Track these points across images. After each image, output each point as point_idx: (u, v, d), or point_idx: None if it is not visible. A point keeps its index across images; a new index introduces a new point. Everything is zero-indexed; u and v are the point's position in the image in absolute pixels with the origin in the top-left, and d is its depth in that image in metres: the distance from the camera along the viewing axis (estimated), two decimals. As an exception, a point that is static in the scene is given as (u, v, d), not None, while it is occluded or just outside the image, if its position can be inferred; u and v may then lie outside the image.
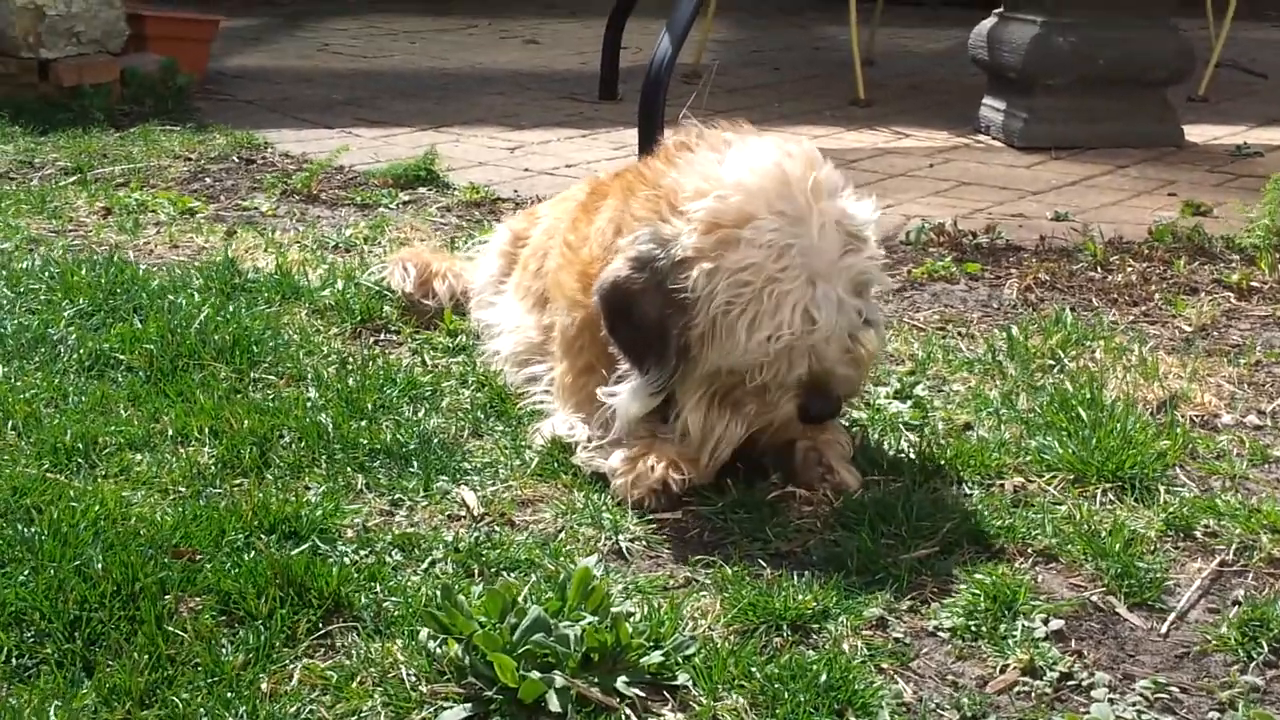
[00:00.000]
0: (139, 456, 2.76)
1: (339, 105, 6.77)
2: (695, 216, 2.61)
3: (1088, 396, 3.07)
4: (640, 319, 2.66)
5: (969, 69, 6.88)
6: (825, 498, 2.67)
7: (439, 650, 2.12)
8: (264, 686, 2.05)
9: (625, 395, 2.74)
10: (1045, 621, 2.27)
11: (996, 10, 6.23)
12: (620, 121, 6.29)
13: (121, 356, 3.22)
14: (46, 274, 3.74)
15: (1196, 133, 6.23)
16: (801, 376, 2.63)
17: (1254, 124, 6.57)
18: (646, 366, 2.69)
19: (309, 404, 3.00)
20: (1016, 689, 2.12)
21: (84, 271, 3.75)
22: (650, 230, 2.67)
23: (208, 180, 5.21)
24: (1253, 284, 4.02)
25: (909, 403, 3.12)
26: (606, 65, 6.98)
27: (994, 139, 6.12)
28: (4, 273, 3.78)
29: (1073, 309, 3.77)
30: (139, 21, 6.69)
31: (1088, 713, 2.05)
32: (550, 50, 8.73)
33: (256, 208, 4.81)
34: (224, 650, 2.12)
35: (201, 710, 1.97)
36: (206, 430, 2.86)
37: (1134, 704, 2.08)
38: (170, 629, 2.14)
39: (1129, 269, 4.15)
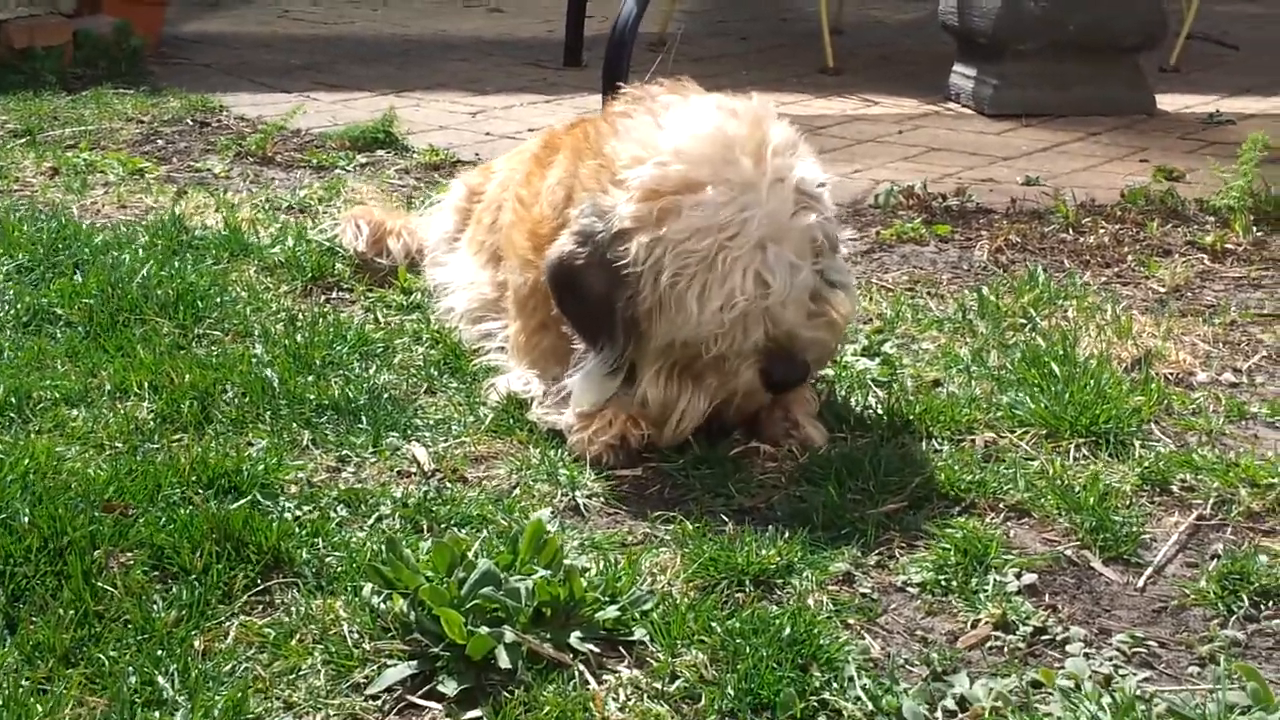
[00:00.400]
0: (75, 412, 2.65)
1: (297, 70, 6.63)
2: (632, 186, 2.50)
3: (1061, 353, 2.98)
4: (587, 295, 2.56)
5: (939, 39, 6.79)
6: (791, 453, 2.58)
7: (383, 606, 2.02)
8: (197, 644, 1.95)
9: (580, 381, 2.63)
10: (1018, 576, 2.18)
11: (967, -25, 6.13)
12: (585, 87, 6.17)
13: (60, 312, 3.10)
14: (-14, 230, 3.62)
15: (1168, 101, 6.15)
16: (758, 343, 2.52)
17: (1226, 94, 6.49)
18: (600, 344, 2.58)
19: (254, 359, 2.89)
20: (988, 644, 2.03)
21: (24, 227, 3.62)
22: (591, 203, 2.56)
23: (160, 142, 5.07)
24: (1227, 246, 3.94)
25: (877, 360, 3.03)
26: (571, 31, 6.86)
27: (964, 106, 6.02)
28: (-58, 229, 3.65)
29: (1045, 270, 3.68)
30: (93, -16, 6.53)
31: (1062, 667, 1.96)
32: (515, 18, 8.60)
33: (209, 169, 4.68)
34: (155, 607, 2.01)
35: (129, 668, 1.87)
36: (146, 385, 2.75)
37: (1110, 659, 1.99)
38: (99, 584, 2.04)
39: (1101, 231, 4.07)
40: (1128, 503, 2.43)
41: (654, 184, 2.48)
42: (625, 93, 2.78)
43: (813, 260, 2.56)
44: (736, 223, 2.46)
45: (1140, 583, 2.21)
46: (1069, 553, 2.28)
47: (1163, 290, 3.62)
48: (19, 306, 3.11)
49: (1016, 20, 5.76)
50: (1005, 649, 2.02)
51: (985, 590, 2.14)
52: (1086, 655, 1.99)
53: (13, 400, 2.65)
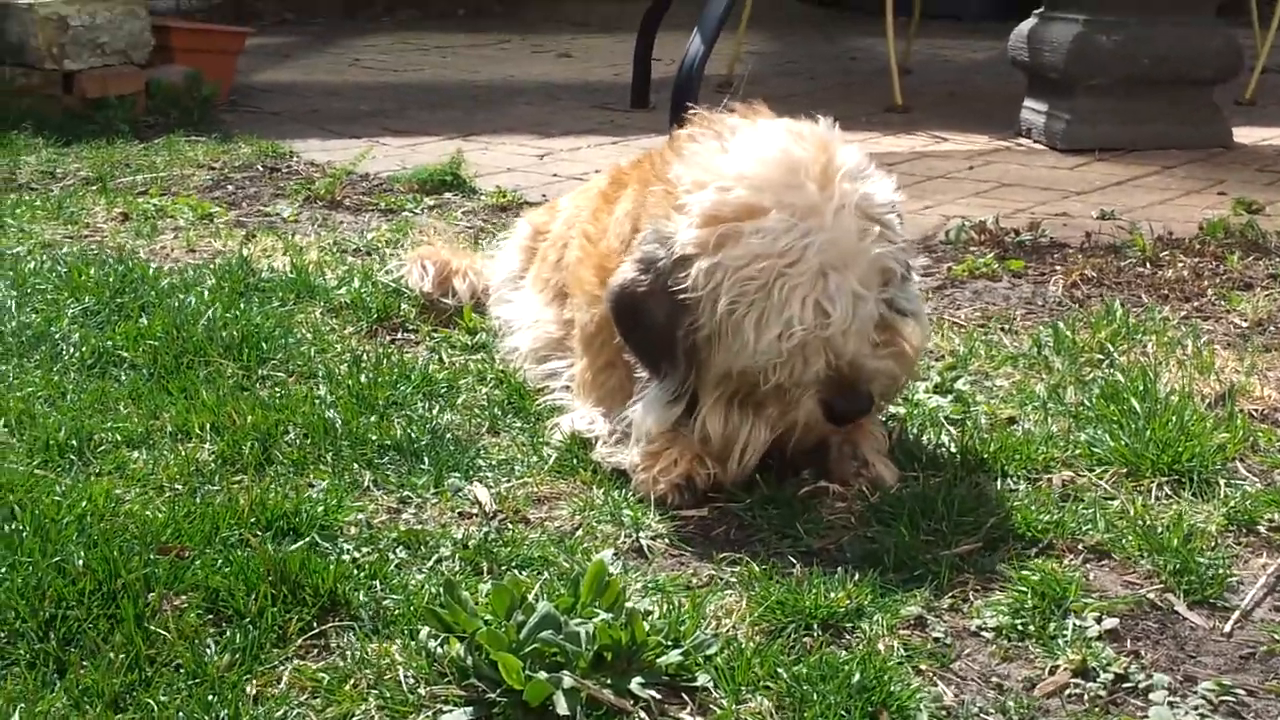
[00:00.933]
0: (135, 454, 2.63)
1: (366, 116, 6.66)
2: (693, 211, 2.45)
3: (1140, 388, 2.89)
4: (649, 322, 2.51)
5: (1008, 77, 6.71)
6: (861, 493, 2.50)
7: (440, 650, 1.97)
8: (249, 689, 1.91)
9: (641, 409, 2.58)
10: (1098, 620, 2.10)
11: (1037, 10, 6.06)
12: (652, 129, 6.15)
13: (125, 354, 3.09)
14: (54, 274, 3.63)
15: (1244, 134, 6.03)
16: (819, 373, 2.44)
17: (1305, 126, 6.37)
18: (662, 371, 2.53)
19: (317, 400, 2.86)
20: (1067, 691, 1.95)
21: (92, 271, 3.63)
22: (653, 229, 2.52)
23: (230, 188, 5.10)
24: (1311, 279, 3.83)
25: (949, 397, 2.95)
26: (638, 73, 6.84)
27: (1035, 141, 5.94)
28: (11, 274, 3.66)
29: (1122, 304, 3.59)
30: (165, 33, 6.59)
31: (1145, 716, 1.88)
32: (583, 63, 8.61)
33: (278, 214, 4.69)
34: (208, 651, 1.97)
35: (179, 714, 1.83)
36: (208, 427, 2.72)
37: (1196, 707, 1.91)
38: (152, 628, 2.00)
39: (1180, 264, 3.97)
40: (1213, 544, 2.34)
41: (715, 209, 2.43)
42: (693, 117, 2.73)
43: (880, 288, 2.50)
44: (797, 249, 2.39)
45: (1227, 627, 2.11)
46: (1151, 596, 2.19)
47: (1245, 324, 3.51)
48: (84, 349, 3.10)
49: (1089, 55, 5.67)
50: (1085, 697, 1.94)
51: (1064, 635, 2.06)
52: (1171, 704, 1.91)
53: (74, 443, 2.63)
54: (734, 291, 2.41)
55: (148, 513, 2.35)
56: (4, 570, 2.10)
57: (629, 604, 2.06)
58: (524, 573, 2.23)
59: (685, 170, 2.52)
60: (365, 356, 3.16)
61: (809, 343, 2.42)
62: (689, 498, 2.49)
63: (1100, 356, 3.20)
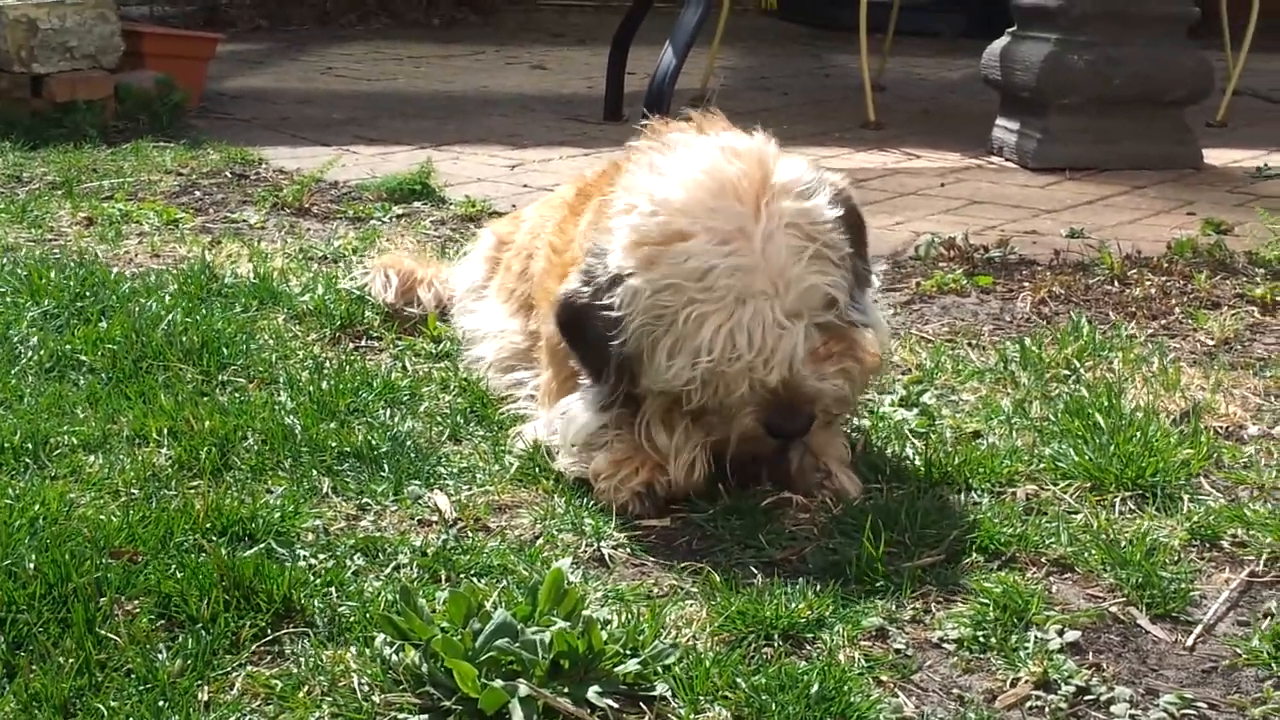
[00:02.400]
0: (91, 458, 2.60)
1: (338, 124, 6.63)
2: (620, 233, 2.46)
3: (1105, 404, 2.88)
4: (589, 333, 2.52)
5: (981, 95, 6.72)
6: (824, 504, 2.49)
7: (395, 658, 1.95)
8: (201, 695, 1.88)
9: (577, 406, 2.59)
10: (1060, 633, 2.08)
11: (1010, 29, 6.07)
12: (623, 141, 6.12)
13: (84, 358, 3.06)
14: (14, 277, 3.59)
15: (1215, 156, 6.05)
16: (745, 396, 2.42)
17: (1274, 148, 6.37)
18: (602, 379, 2.54)
19: (277, 406, 2.83)
20: (1028, 704, 1.93)
21: (52, 274, 3.59)
22: (594, 244, 2.53)
23: (197, 194, 5.06)
24: (1277, 298, 3.83)
25: (915, 410, 2.94)
26: (611, 85, 6.83)
27: (1007, 160, 5.95)
28: (-29, 276, 3.62)
29: (1089, 321, 3.59)
30: (136, 38, 6.55)
31: (1107, 730, 1.86)
32: (557, 75, 8.60)
33: (245, 220, 4.66)
34: (160, 656, 1.95)
35: (130, 719, 1.79)
36: (165, 432, 2.69)
37: (1158, 720, 1.89)
38: (103, 633, 1.97)
39: (1147, 283, 3.97)
40: (1176, 558, 2.33)
41: (637, 235, 2.43)
42: (647, 127, 2.73)
43: (818, 310, 2.45)
44: (714, 274, 2.36)
45: (1189, 641, 2.10)
46: (1114, 609, 2.18)
47: (1211, 343, 3.52)
48: (42, 352, 3.07)
49: (1061, 75, 5.68)
50: (1046, 709, 1.92)
51: (1025, 648, 2.05)
52: (1132, 717, 1.90)
53: (29, 446, 2.60)
54: (649, 315, 2.41)
55: (101, 517, 2.31)
56: (-48, 573, 2.07)
57: (588, 613, 2.04)
58: (483, 581, 2.21)
59: (619, 191, 2.53)
60: (327, 363, 3.13)
61: (725, 371, 2.39)
62: (649, 505, 2.47)
63: (1066, 372, 3.20)
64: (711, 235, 2.39)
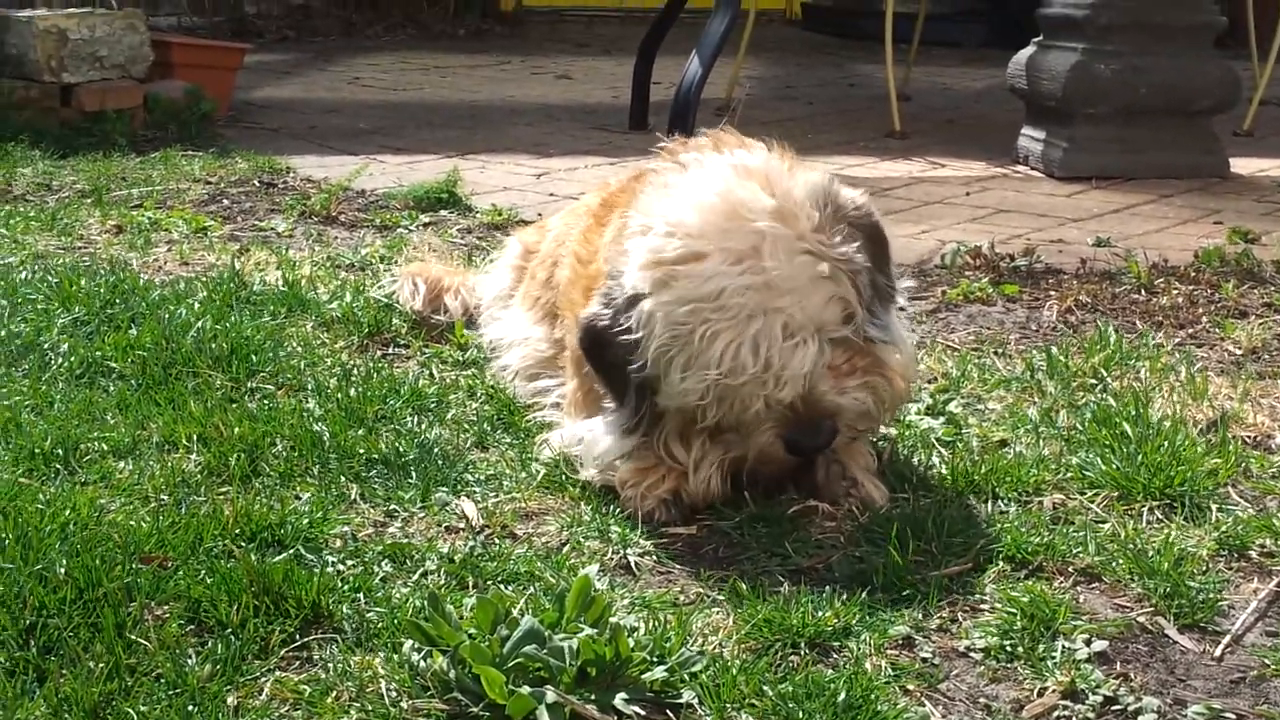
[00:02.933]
0: (121, 464, 2.61)
1: (365, 134, 6.66)
2: (635, 255, 2.48)
3: (1133, 413, 2.87)
4: (610, 356, 2.53)
5: (1007, 105, 6.72)
6: (850, 513, 2.49)
7: (423, 663, 1.95)
8: (230, 700, 1.89)
9: (599, 430, 2.60)
10: (1088, 642, 2.08)
11: (1036, 39, 6.07)
12: (649, 151, 6.14)
13: (114, 364, 3.08)
14: (45, 284, 3.61)
15: (1242, 165, 6.03)
16: (760, 413, 2.43)
17: (1302, 157, 6.37)
18: (623, 401, 2.56)
19: (305, 413, 2.84)
20: (1055, 713, 1.93)
21: (83, 281, 3.61)
22: (613, 266, 2.56)
23: (225, 202, 5.09)
24: (1306, 308, 3.82)
25: (941, 419, 2.94)
26: (636, 95, 6.85)
27: (1033, 169, 5.94)
28: (2, 284, 3.65)
29: (1116, 330, 3.58)
30: (165, 48, 6.60)
31: (1135, 739, 1.86)
32: (583, 85, 8.62)
33: (273, 228, 4.68)
34: (189, 661, 1.95)
35: (159, 723, 1.81)
36: (195, 438, 2.71)
37: (1186, 731, 1.89)
38: (132, 637, 1.98)
39: (1174, 292, 3.96)
40: (1204, 568, 2.32)
41: (652, 256, 2.45)
42: (663, 147, 2.76)
43: (837, 325, 2.46)
44: (726, 294, 2.38)
45: (1217, 652, 2.10)
46: (1142, 619, 2.17)
47: (1239, 352, 3.50)
48: (72, 359, 3.09)
49: (1087, 84, 5.68)
50: (1074, 719, 1.92)
51: (1053, 657, 2.04)
52: (1160, 726, 1.89)
53: (59, 452, 2.62)
54: (665, 335, 2.42)
55: (131, 522, 2.33)
56: (-15, 577, 2.09)
57: (615, 620, 2.04)
58: (509, 588, 2.22)
59: (635, 212, 2.55)
60: (355, 370, 3.14)
61: (739, 387, 2.40)
62: (675, 513, 2.48)
63: (1093, 381, 3.19)
64: (725, 255, 2.40)
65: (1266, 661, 2.06)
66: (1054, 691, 1.97)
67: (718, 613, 2.16)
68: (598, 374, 2.62)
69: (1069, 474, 2.65)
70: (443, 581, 2.24)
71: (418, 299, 3.57)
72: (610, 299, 2.53)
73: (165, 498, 2.48)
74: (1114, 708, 1.94)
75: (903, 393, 2.62)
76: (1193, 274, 4.13)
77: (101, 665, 1.91)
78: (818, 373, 2.44)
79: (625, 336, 2.47)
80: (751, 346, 2.39)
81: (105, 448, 2.67)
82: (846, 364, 2.50)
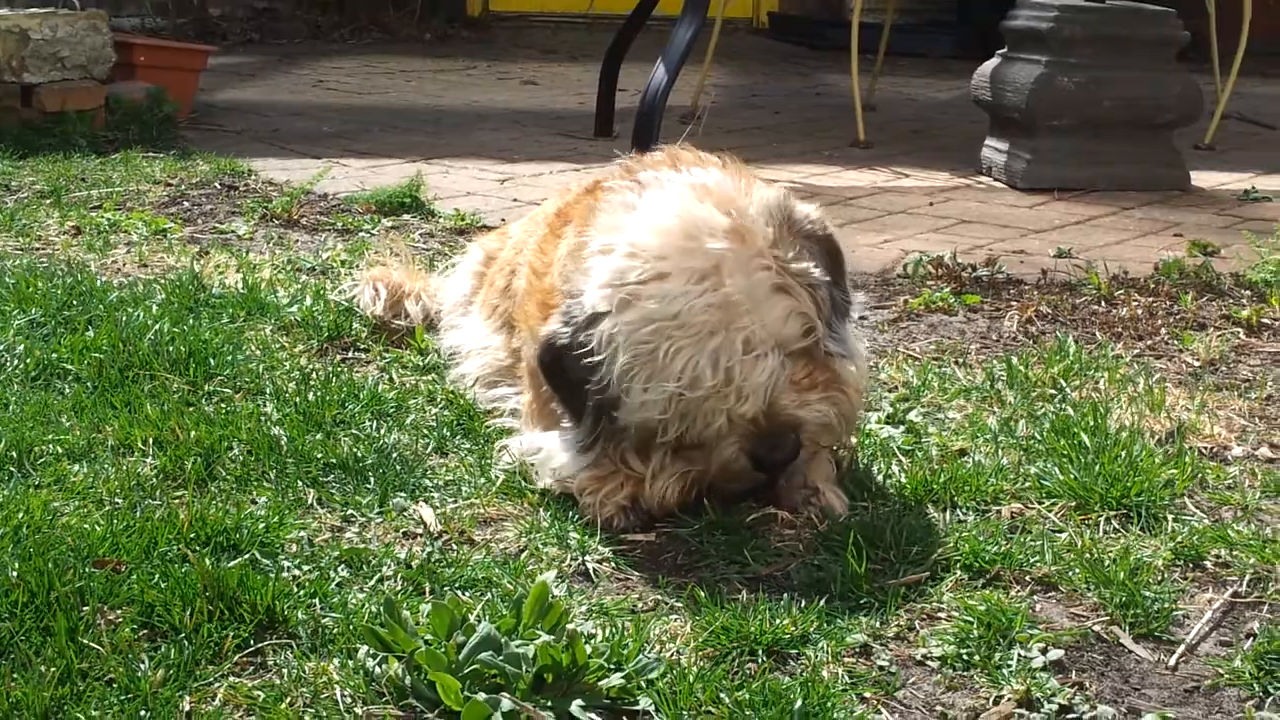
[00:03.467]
0: (76, 467, 2.59)
1: (328, 137, 6.63)
2: (596, 275, 2.49)
3: (1091, 423, 2.89)
4: (567, 375, 2.55)
5: (972, 116, 6.75)
6: (809, 521, 2.49)
7: (379, 669, 1.94)
8: (184, 705, 1.87)
9: (556, 445, 2.61)
10: (1044, 651, 2.08)
11: (1000, 51, 6.10)
12: (614, 156, 6.14)
13: (70, 366, 3.05)
14: (1, 285, 3.58)
15: (1203, 179, 6.07)
16: (722, 429, 2.44)
17: (1261, 171, 6.41)
18: (581, 419, 2.56)
19: (263, 417, 2.83)
20: (1011, 721, 1.93)
21: (40, 283, 3.58)
22: (573, 285, 2.57)
23: (186, 204, 5.06)
24: (1263, 320, 3.85)
25: (901, 428, 2.94)
26: (602, 101, 6.85)
27: (996, 180, 5.97)
28: (-42, 284, 3.61)
29: (1076, 341, 3.60)
30: (127, 49, 6.56)
31: (1089, 748, 1.86)
32: (548, 91, 8.62)
33: (234, 231, 4.65)
34: (142, 666, 1.94)
35: (110, 728, 1.79)
36: (151, 441, 2.69)
37: (1140, 740, 1.89)
38: (85, 641, 1.96)
39: (1134, 303, 3.98)
40: (1159, 578, 2.33)
41: (613, 277, 2.46)
42: (620, 163, 2.77)
43: (798, 338, 2.48)
44: (688, 312, 2.39)
45: (1172, 661, 2.11)
46: (1097, 628, 2.18)
47: (1197, 364, 3.52)
48: (28, 361, 3.06)
49: (1050, 96, 5.70)
50: (1029, 727, 1.93)
51: (1009, 665, 2.05)
52: (1115, 735, 1.90)
53: (13, 454, 2.59)
54: (628, 354, 2.43)
55: (85, 526, 2.31)
56: (-66, 580, 2.06)
57: (572, 626, 2.03)
58: (467, 594, 2.21)
59: (594, 232, 2.56)
60: (314, 374, 3.13)
61: (700, 400, 2.41)
62: (634, 519, 2.48)
63: (1052, 391, 3.20)
64: (686, 275, 2.42)
65: (1220, 671, 2.07)
66: (1010, 700, 1.97)
67: (675, 620, 2.16)
68: (556, 391, 2.63)
69: (1027, 483, 2.66)
70: (399, 587, 2.23)
71: (379, 304, 3.56)
72: (570, 317, 2.53)
73: (120, 501, 2.45)
74: (1069, 716, 1.95)
75: (858, 405, 2.64)
76: (1152, 286, 4.15)
77: (53, 669, 1.89)
78: (779, 386, 2.45)
79: (585, 356, 2.48)
80: (711, 360, 2.40)
81: (60, 450, 2.64)
82: (807, 378, 2.51)
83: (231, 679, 1.95)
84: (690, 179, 2.57)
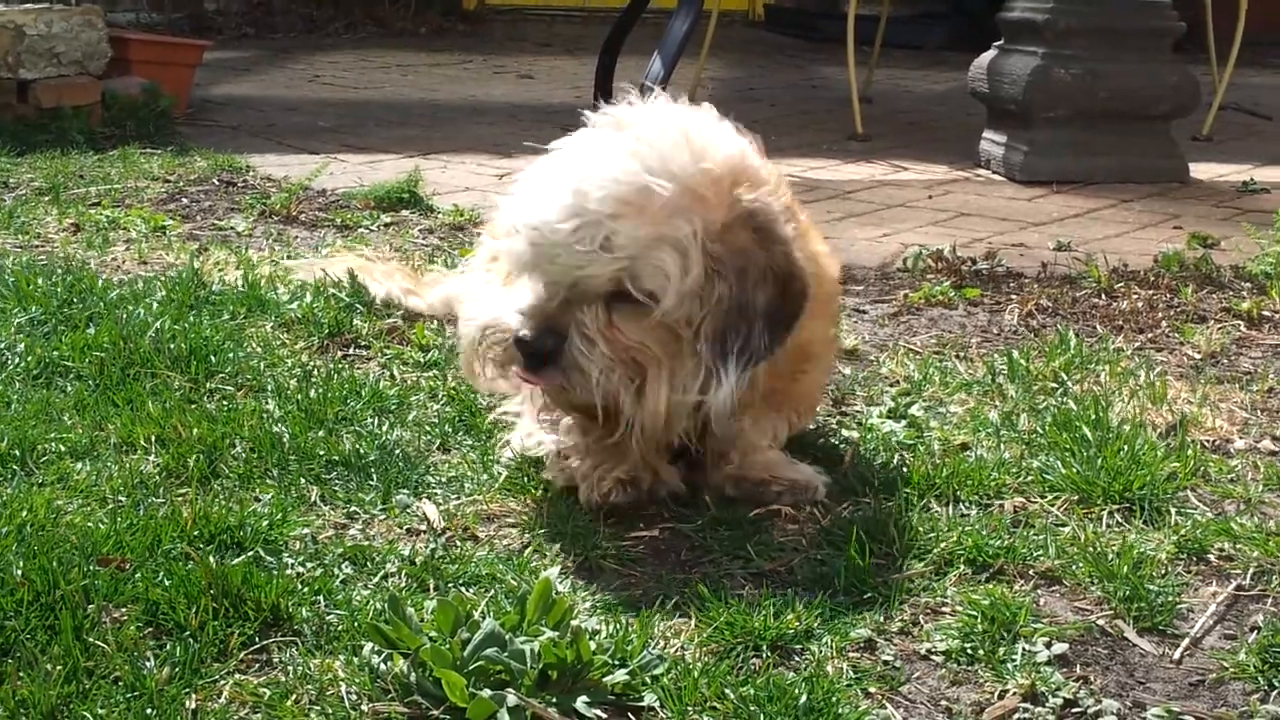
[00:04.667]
0: (79, 465, 2.59)
1: (325, 132, 6.63)
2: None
3: (1093, 417, 2.89)
4: None
5: (969, 108, 6.75)
6: (812, 515, 2.49)
7: (383, 666, 1.94)
8: (189, 703, 1.87)
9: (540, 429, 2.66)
10: (1048, 645, 2.09)
11: (997, 43, 6.10)
12: (612, 151, 6.13)
13: (71, 364, 3.05)
14: (1, 283, 3.57)
15: (1201, 170, 6.08)
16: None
17: (1259, 163, 6.42)
18: None
19: (265, 414, 2.82)
20: (1016, 716, 1.94)
21: (40, 280, 3.58)
22: None
23: (184, 201, 5.05)
24: (1264, 312, 3.85)
25: (903, 422, 2.94)
26: (599, 95, 6.83)
27: (994, 172, 5.97)
28: (-43, 282, 3.61)
29: (1076, 334, 3.60)
30: (123, 45, 6.55)
31: (1095, 742, 1.87)
32: (545, 84, 8.61)
33: (233, 227, 4.65)
34: (147, 664, 1.94)
35: (116, 727, 1.79)
36: (153, 439, 2.68)
37: (1145, 734, 1.90)
38: (91, 640, 1.96)
39: (1135, 296, 3.98)
40: (1163, 572, 2.34)
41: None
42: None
43: (645, 293, 2.37)
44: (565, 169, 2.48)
45: (1176, 654, 2.11)
46: (1101, 622, 2.18)
47: (1198, 356, 3.53)
48: (29, 359, 3.06)
49: (1047, 88, 5.71)
50: (1034, 721, 1.93)
51: (1013, 660, 2.05)
52: (1120, 729, 1.90)
53: (16, 453, 2.59)
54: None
55: (89, 524, 2.31)
56: (-61, 579, 2.06)
57: (576, 623, 2.04)
58: (471, 590, 2.21)
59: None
60: (315, 371, 3.13)
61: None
62: (632, 493, 2.48)
63: (1054, 385, 3.20)
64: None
65: (1225, 664, 2.07)
66: (1014, 694, 1.97)
67: (679, 616, 2.16)
68: None
69: (1030, 477, 2.66)
70: (403, 584, 2.22)
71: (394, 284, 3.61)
72: None
73: (123, 499, 2.45)
74: (1074, 710, 1.95)
75: (661, 395, 2.41)
76: (1152, 278, 4.15)
77: (59, 668, 1.89)
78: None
79: None
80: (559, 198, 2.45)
81: (63, 449, 2.64)
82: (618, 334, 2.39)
83: (237, 676, 1.94)
84: (678, 119, 2.54)
